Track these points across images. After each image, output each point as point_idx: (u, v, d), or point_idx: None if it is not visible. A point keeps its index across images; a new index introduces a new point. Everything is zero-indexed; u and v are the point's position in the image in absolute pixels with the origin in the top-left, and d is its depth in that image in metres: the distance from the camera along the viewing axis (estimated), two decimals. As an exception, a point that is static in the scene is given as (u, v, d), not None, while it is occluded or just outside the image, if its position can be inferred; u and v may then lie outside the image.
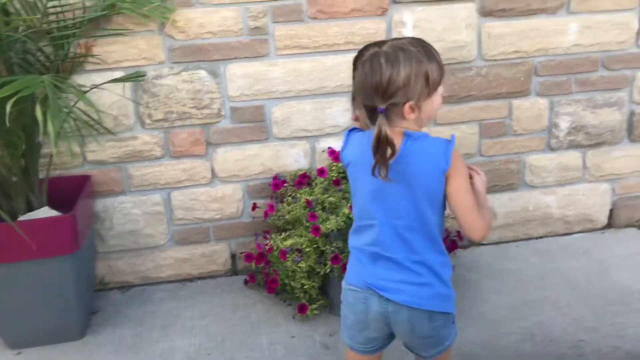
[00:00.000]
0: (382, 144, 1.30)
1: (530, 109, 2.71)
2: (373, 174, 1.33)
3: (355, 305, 1.47)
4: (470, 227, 1.38)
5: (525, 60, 2.64)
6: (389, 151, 1.30)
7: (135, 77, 2.34)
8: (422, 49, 1.35)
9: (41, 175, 2.32)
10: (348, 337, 1.54)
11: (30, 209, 2.27)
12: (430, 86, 1.34)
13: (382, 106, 1.32)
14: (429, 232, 1.41)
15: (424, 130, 1.42)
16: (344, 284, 1.52)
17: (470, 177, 1.45)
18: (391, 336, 1.52)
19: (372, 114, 1.35)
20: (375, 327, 1.47)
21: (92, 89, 2.33)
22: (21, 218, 2.20)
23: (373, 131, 1.33)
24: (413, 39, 1.38)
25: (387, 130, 1.29)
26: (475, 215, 1.38)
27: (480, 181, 1.46)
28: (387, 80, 1.31)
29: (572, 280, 2.50)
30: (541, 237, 2.89)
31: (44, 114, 1.87)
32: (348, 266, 1.53)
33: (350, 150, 1.45)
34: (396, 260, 1.41)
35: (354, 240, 1.50)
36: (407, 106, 1.33)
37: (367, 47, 1.39)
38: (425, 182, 1.37)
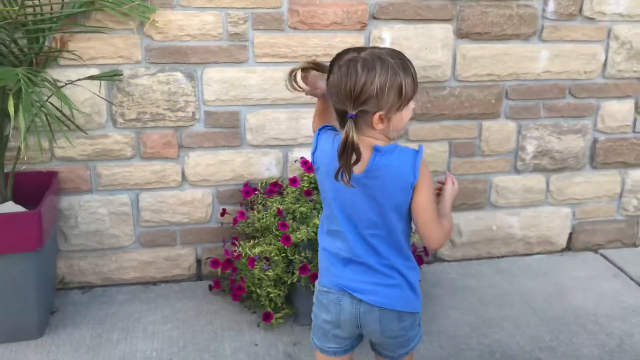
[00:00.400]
0: (347, 149, 1.31)
1: (499, 131, 2.78)
2: (336, 178, 1.35)
3: (328, 306, 1.50)
4: (428, 237, 1.44)
5: (497, 83, 2.71)
6: (354, 157, 1.32)
7: (111, 76, 2.31)
8: (399, 61, 1.36)
9: (7, 169, 2.27)
10: (318, 339, 1.56)
11: (-6, 203, 2.21)
12: (402, 99, 1.36)
13: (352, 112, 1.33)
14: (396, 240, 1.45)
15: (392, 142, 1.44)
16: (317, 285, 1.55)
17: (443, 184, 1.52)
18: (360, 337, 1.56)
19: (343, 118, 1.37)
20: (346, 328, 1.50)
21: (67, 84, 2.29)
22: (-17, 212, 2.15)
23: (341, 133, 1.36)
24: (392, 50, 1.40)
25: (355, 136, 1.31)
26: (435, 225, 1.43)
27: (451, 191, 1.52)
28: (361, 86, 1.32)
29: (531, 300, 2.56)
30: (503, 257, 2.95)
31: (16, 108, 1.84)
32: (320, 268, 1.55)
33: (321, 154, 1.47)
34: (366, 264, 1.46)
35: (325, 242, 1.52)
36: (376, 116, 1.35)
37: (346, 51, 1.40)
38: (393, 195, 1.40)
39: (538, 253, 2.99)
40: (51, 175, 2.38)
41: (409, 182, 1.38)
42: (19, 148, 2.25)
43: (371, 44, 2.53)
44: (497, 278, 2.75)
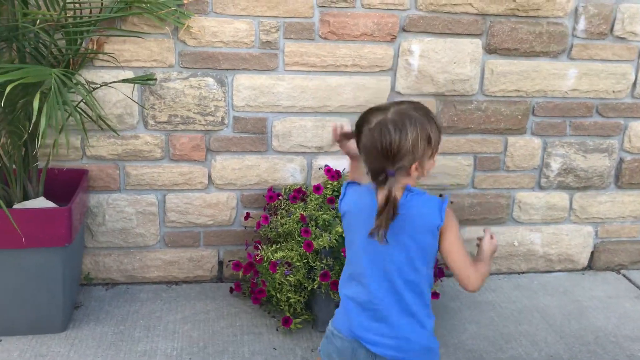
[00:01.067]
0: (389, 207, 1.36)
1: (524, 147, 2.78)
2: (372, 235, 1.39)
3: (342, 351, 1.50)
4: (461, 278, 1.46)
5: (524, 100, 2.72)
6: (392, 214, 1.37)
7: (145, 80, 2.36)
8: (422, 112, 1.43)
9: (40, 165, 2.33)
10: None
11: (26, 197, 2.28)
12: (432, 146, 1.43)
13: (392, 169, 1.39)
14: (420, 286, 1.47)
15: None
16: (330, 326, 1.55)
17: (481, 239, 1.57)
18: None
19: (378, 175, 1.41)
20: None
21: (101, 86, 2.35)
22: (16, 206, 2.21)
23: (371, 186, 1.43)
24: (413, 103, 1.46)
25: (397, 194, 1.38)
26: (468, 266, 1.45)
27: (489, 243, 1.56)
28: (397, 146, 1.38)
29: (550, 318, 2.56)
30: (523, 273, 2.95)
31: (41, 106, 1.88)
32: (337, 311, 1.56)
33: (349, 200, 1.52)
34: (386, 314, 1.46)
35: (345, 288, 1.54)
36: (413, 167, 1.41)
37: (371, 112, 1.44)
38: (420, 238, 1.43)
39: (559, 271, 2.98)
40: (81, 173, 2.44)
41: (435, 225, 1.41)
42: (52, 145, 2.32)
43: (401, 57, 2.56)
44: (516, 294, 2.75)
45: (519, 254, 2.92)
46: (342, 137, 1.62)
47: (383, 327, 1.46)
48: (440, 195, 1.54)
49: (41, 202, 2.24)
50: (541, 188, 2.86)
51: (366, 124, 1.43)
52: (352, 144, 1.57)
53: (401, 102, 1.46)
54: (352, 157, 1.64)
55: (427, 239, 1.43)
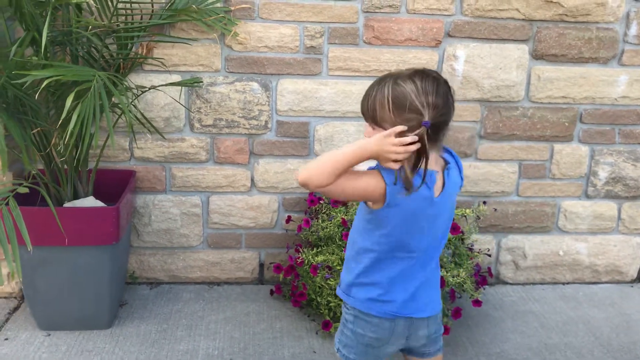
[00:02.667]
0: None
1: (571, 155, 2.72)
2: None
3: (380, 325, 1.51)
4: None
5: (571, 106, 2.66)
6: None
7: (192, 83, 2.41)
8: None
9: (89, 165, 2.40)
10: (358, 354, 1.55)
11: (76, 196, 2.35)
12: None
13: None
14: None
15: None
16: (362, 310, 1.52)
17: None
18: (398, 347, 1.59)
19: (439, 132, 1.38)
20: (395, 343, 1.53)
21: (149, 89, 2.41)
22: (67, 204, 2.28)
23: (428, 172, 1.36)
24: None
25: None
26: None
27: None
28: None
29: (597, 330, 2.49)
30: (568, 283, 2.88)
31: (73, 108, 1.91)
32: (370, 294, 1.52)
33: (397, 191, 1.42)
34: (426, 281, 1.50)
35: (375, 275, 1.50)
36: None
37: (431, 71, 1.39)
38: (453, 206, 1.49)
39: (606, 282, 2.90)
40: (129, 174, 2.50)
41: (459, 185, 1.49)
42: (102, 146, 2.39)
43: (445, 62, 2.55)
44: (561, 304, 2.69)
45: (564, 264, 2.86)
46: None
47: (423, 293, 1.53)
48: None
49: (90, 202, 2.31)
50: (588, 197, 2.79)
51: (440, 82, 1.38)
52: None
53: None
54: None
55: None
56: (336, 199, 1.53)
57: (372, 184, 1.36)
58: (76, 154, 2.33)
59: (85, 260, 2.22)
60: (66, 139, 1.93)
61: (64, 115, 1.87)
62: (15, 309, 2.48)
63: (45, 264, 2.20)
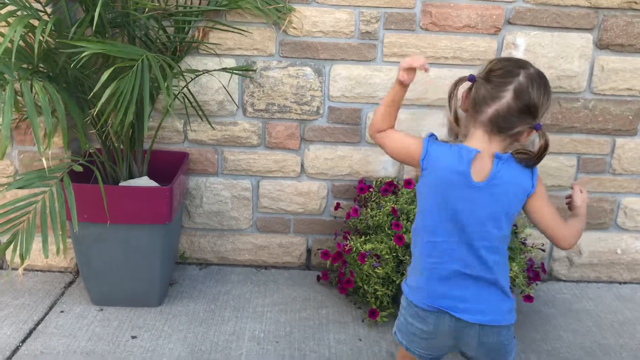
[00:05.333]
0: (541, 157, 1.45)
1: (634, 150, 2.61)
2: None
3: (426, 319, 1.49)
4: (560, 240, 1.50)
5: (636, 99, 2.55)
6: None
7: (244, 70, 2.42)
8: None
9: (145, 146, 2.45)
10: (407, 342, 1.56)
11: (131, 176, 2.40)
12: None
13: (538, 122, 1.43)
14: (502, 248, 1.48)
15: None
16: (408, 300, 1.54)
17: (571, 197, 1.62)
18: (453, 348, 1.54)
19: (505, 130, 1.43)
20: (442, 339, 1.50)
21: (202, 73, 2.43)
22: (122, 183, 2.33)
23: (461, 146, 1.44)
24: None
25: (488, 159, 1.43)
26: (560, 224, 1.49)
27: (580, 198, 1.60)
28: (537, 104, 1.43)
29: (655, 333, 2.39)
30: (625, 283, 2.77)
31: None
32: (413, 282, 1.54)
33: (435, 163, 1.47)
34: (469, 277, 1.46)
35: (422, 255, 1.51)
36: (528, 130, 1.44)
37: (503, 63, 1.46)
38: (509, 203, 1.44)
39: (666, 284, 2.78)
40: (183, 156, 2.54)
41: (526, 192, 1.45)
42: (157, 128, 2.43)
43: (504, 50, 2.47)
44: (617, 304, 2.59)
45: (621, 263, 2.75)
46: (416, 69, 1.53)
47: (466, 292, 1.49)
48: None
49: (145, 181, 2.35)
50: (651, 194, 2.68)
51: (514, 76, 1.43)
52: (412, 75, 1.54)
53: (529, 65, 1.46)
54: (403, 88, 1.56)
55: (516, 204, 1.46)
56: (386, 152, 1.62)
57: (414, 144, 1.53)
58: (132, 134, 2.38)
59: (139, 239, 2.27)
60: (95, 112, 1.95)
61: (95, 89, 1.87)
62: (70, 283, 2.57)
63: (99, 240, 2.26)
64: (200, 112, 2.47)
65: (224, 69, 2.42)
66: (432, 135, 1.53)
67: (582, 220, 1.58)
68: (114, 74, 1.87)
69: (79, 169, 2.06)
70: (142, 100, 2.01)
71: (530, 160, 1.44)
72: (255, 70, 2.47)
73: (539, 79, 1.42)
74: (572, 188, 1.64)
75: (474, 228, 1.43)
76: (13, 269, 2.65)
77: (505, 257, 1.50)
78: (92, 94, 1.94)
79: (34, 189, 2.00)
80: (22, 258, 1.91)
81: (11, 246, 1.94)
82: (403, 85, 1.55)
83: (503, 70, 1.42)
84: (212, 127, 2.54)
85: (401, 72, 1.52)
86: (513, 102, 1.39)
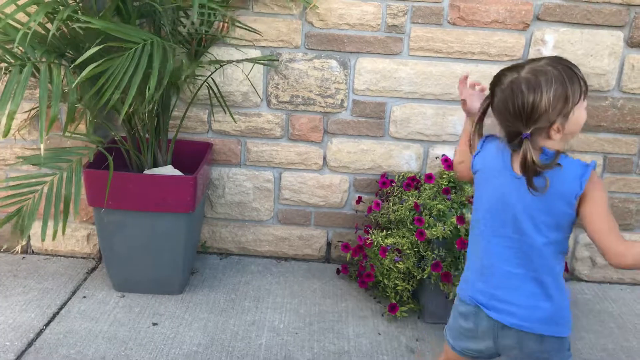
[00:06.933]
0: (528, 170, 1.31)
1: (662, 150, 2.57)
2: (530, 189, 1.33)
3: (466, 316, 1.49)
4: (603, 250, 1.32)
5: (666, 99, 2.51)
6: (536, 172, 1.31)
7: (268, 60, 2.42)
8: (560, 67, 1.33)
9: (169, 135, 2.46)
10: (452, 338, 1.55)
11: (156, 165, 2.41)
12: (570, 105, 1.32)
13: (526, 131, 1.32)
14: (550, 252, 1.38)
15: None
16: (457, 291, 1.54)
17: None
18: (496, 354, 1.51)
19: (513, 137, 1.36)
20: (484, 340, 1.47)
21: (227, 63, 2.44)
22: (147, 172, 2.35)
23: (507, 146, 1.39)
24: (551, 59, 1.37)
25: (533, 155, 1.30)
26: (610, 238, 1.31)
27: None
28: (530, 106, 1.31)
29: (678, 337, 2.36)
30: (649, 285, 2.74)
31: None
32: (464, 275, 1.54)
33: (484, 158, 1.47)
34: (510, 278, 1.40)
35: (471, 248, 1.51)
36: (554, 127, 1.33)
37: (504, 73, 1.39)
38: (554, 203, 1.35)
39: (690, 287, 2.74)
40: (207, 146, 2.55)
41: (573, 193, 1.33)
42: (182, 117, 2.44)
43: (532, 46, 2.44)
44: (639, 307, 2.56)
45: (645, 265, 2.71)
46: (470, 89, 1.56)
47: (506, 293, 1.44)
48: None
49: (169, 170, 2.37)
50: (678, 196, 2.63)
51: (499, 84, 1.38)
52: (475, 103, 1.53)
53: (539, 59, 1.38)
54: (470, 117, 1.57)
55: (562, 206, 1.34)
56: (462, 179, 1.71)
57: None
58: (157, 123, 2.40)
59: (162, 227, 2.29)
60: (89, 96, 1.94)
61: (78, 61, 1.85)
62: (93, 269, 2.60)
63: (123, 227, 2.28)
64: (223, 104, 2.48)
65: (247, 59, 2.42)
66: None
67: None
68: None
69: (89, 157, 2.07)
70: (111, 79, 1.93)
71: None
72: (278, 60, 2.47)
73: (525, 82, 1.34)
74: None
75: (513, 227, 1.43)
76: (37, 253, 2.69)
77: None
78: (72, 65, 1.90)
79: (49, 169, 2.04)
80: (21, 236, 1.94)
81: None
82: (469, 115, 1.57)
83: (510, 80, 1.37)
84: (233, 119, 2.54)
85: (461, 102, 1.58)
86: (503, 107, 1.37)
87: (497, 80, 1.40)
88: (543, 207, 1.36)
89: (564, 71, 1.33)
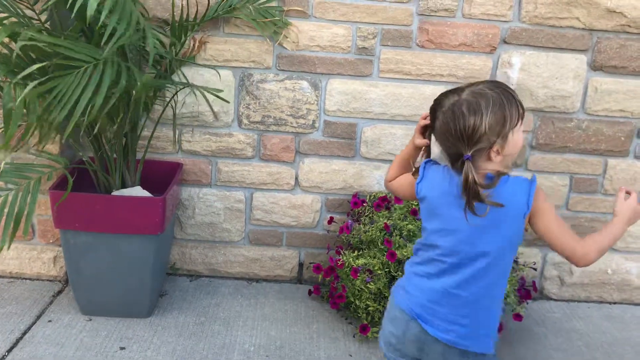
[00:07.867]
0: (469, 191, 1.33)
1: (626, 171, 2.63)
2: (468, 211, 1.35)
3: (396, 321, 1.49)
4: (571, 257, 1.39)
5: (629, 120, 2.57)
6: (477, 194, 1.33)
7: (215, 91, 2.35)
8: (499, 91, 1.37)
9: (138, 155, 2.44)
10: (384, 343, 1.56)
11: (124, 185, 2.38)
12: (508, 128, 1.36)
13: (467, 153, 1.35)
14: (497, 272, 1.41)
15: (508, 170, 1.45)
16: (392, 297, 1.54)
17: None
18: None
19: (456, 159, 1.38)
20: (409, 348, 1.48)
21: (183, 88, 2.42)
22: (114, 193, 2.32)
23: (451, 169, 1.40)
24: (490, 82, 1.41)
25: (475, 176, 1.33)
26: (572, 243, 1.38)
27: (620, 205, 1.49)
28: (471, 128, 1.34)
29: (644, 354, 2.40)
30: (615, 303, 2.78)
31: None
32: (400, 284, 1.54)
33: (428, 184, 1.46)
34: (454, 295, 1.42)
35: (414, 269, 1.51)
36: (494, 149, 1.36)
37: (445, 95, 1.41)
38: (506, 225, 1.37)
39: (655, 305, 2.79)
40: (177, 166, 2.53)
41: (521, 213, 1.37)
42: (150, 137, 2.42)
43: (500, 69, 2.49)
44: (606, 324, 2.60)
45: (611, 283, 2.76)
46: (423, 129, 1.56)
47: (444, 308, 1.44)
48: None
49: (137, 191, 2.34)
50: (642, 215, 2.69)
51: (440, 107, 1.40)
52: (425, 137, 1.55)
53: (478, 82, 1.41)
54: (417, 147, 1.58)
55: (514, 228, 1.38)
56: (399, 195, 1.66)
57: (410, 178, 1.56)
58: (125, 143, 2.37)
59: (130, 249, 2.25)
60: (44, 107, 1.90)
61: (15, 80, 1.83)
62: (60, 292, 2.54)
63: (90, 249, 2.24)
64: (174, 126, 2.43)
65: (194, 86, 2.39)
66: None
67: (611, 232, 1.43)
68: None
69: (49, 176, 2.04)
70: (103, 106, 1.92)
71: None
72: (222, 92, 2.41)
73: (466, 104, 1.36)
74: (618, 191, 1.53)
75: (464, 250, 1.43)
76: (1, 276, 2.62)
77: None
78: (12, 82, 1.87)
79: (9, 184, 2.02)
80: None
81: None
82: (418, 147, 1.58)
83: (450, 105, 1.39)
84: (190, 139, 2.52)
85: (417, 134, 1.55)
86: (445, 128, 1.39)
87: (438, 103, 1.42)
88: (498, 226, 1.38)
89: (503, 94, 1.37)
